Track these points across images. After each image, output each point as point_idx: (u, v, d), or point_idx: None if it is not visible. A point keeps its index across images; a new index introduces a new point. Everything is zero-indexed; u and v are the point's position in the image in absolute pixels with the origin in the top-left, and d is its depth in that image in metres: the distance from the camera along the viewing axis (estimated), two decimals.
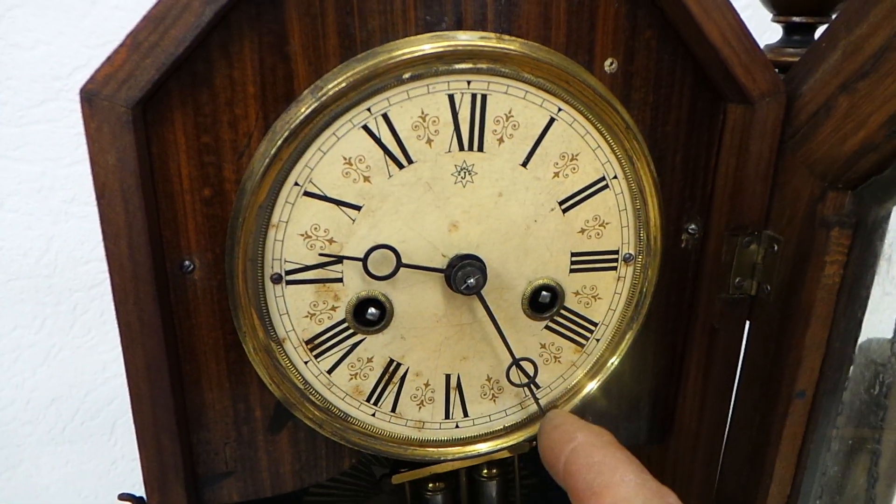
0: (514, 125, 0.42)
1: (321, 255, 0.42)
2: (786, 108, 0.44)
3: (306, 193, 0.41)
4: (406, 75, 0.39)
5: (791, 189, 0.45)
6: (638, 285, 0.48)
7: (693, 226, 0.49)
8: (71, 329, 0.81)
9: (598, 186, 0.45)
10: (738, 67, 0.42)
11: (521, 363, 0.46)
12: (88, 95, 0.34)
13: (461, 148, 0.42)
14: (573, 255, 0.46)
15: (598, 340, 0.50)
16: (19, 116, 0.72)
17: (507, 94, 0.42)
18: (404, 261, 0.42)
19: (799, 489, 0.47)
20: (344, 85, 0.39)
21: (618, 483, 0.32)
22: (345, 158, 0.40)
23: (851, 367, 0.57)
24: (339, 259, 0.42)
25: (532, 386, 0.47)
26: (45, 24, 0.70)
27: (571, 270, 0.47)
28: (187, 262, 0.41)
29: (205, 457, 0.46)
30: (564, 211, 0.45)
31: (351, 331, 0.44)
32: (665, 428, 0.55)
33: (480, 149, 0.42)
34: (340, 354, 0.45)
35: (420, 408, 0.48)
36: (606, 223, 0.46)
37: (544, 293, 0.47)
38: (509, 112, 0.42)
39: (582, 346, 0.49)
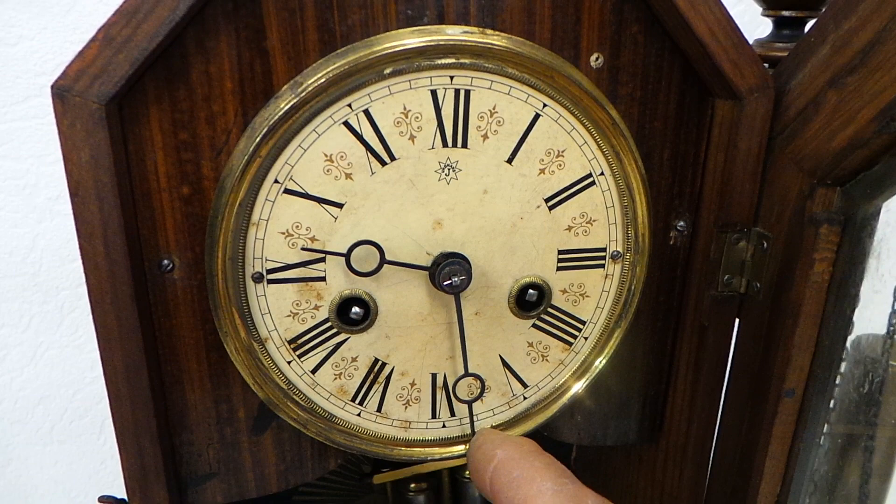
0: (499, 121, 0.42)
1: (304, 249, 0.41)
2: (774, 103, 0.43)
3: (287, 191, 0.40)
4: (387, 70, 0.39)
5: (780, 186, 0.44)
6: (626, 283, 0.48)
7: (681, 223, 0.48)
8: (58, 328, 0.80)
9: (584, 183, 0.45)
10: (725, 62, 0.42)
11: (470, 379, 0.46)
12: (60, 91, 0.34)
13: (445, 144, 0.41)
14: (560, 252, 0.46)
15: (586, 339, 0.49)
16: (3, 113, 0.71)
17: (491, 90, 0.41)
18: (388, 258, 0.41)
19: (789, 487, 0.47)
20: (324, 80, 0.38)
21: (535, 495, 0.33)
22: (326, 155, 0.40)
23: (843, 364, 0.57)
24: (323, 256, 0.42)
25: (472, 405, 0.47)
26: (29, 19, 0.69)
27: (558, 268, 0.46)
28: (166, 262, 0.40)
29: (188, 458, 0.45)
30: (551, 208, 0.45)
31: (335, 330, 0.44)
32: (655, 426, 0.54)
33: (465, 145, 0.42)
34: (324, 354, 0.44)
35: (406, 407, 0.47)
36: (594, 220, 0.46)
37: (531, 291, 0.46)
38: (493, 108, 0.41)
39: (570, 344, 0.49)
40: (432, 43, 0.39)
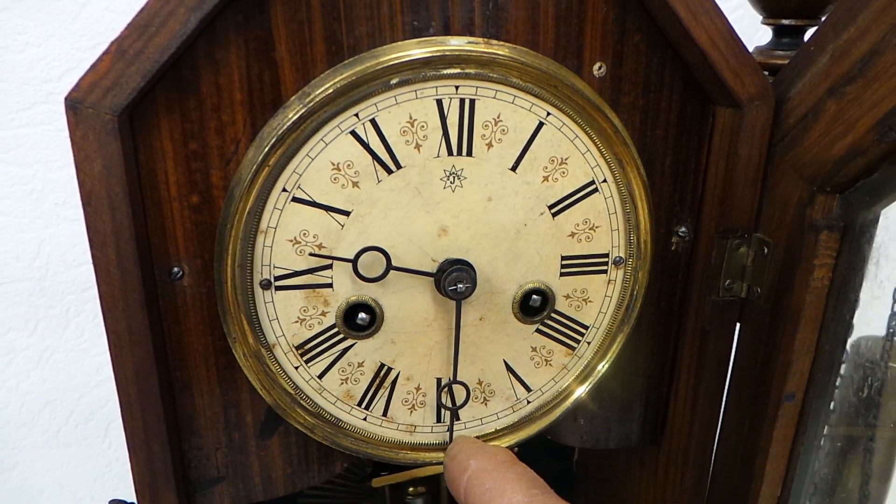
0: (503, 130, 0.42)
1: (311, 255, 0.42)
2: (775, 111, 0.44)
3: (295, 199, 0.41)
4: (394, 81, 0.39)
5: (780, 192, 0.45)
6: (628, 288, 0.48)
7: (683, 229, 0.49)
8: (64, 332, 0.81)
9: (587, 190, 0.45)
10: (726, 71, 0.42)
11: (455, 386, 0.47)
12: (73, 103, 0.34)
13: (450, 153, 0.42)
14: (563, 258, 0.46)
15: (589, 343, 0.50)
16: (10, 119, 0.72)
17: (495, 99, 0.42)
18: (394, 265, 0.42)
19: (790, 490, 0.48)
20: (331, 91, 0.38)
21: None
22: (333, 164, 0.40)
23: (843, 366, 0.57)
24: (330, 263, 0.42)
25: (455, 413, 0.47)
26: (36, 26, 0.70)
27: (562, 274, 0.47)
28: (176, 269, 0.41)
29: (196, 462, 0.46)
30: (554, 215, 0.45)
31: (341, 336, 0.44)
32: (657, 430, 0.55)
33: (469, 153, 0.42)
34: (331, 359, 0.45)
35: (411, 412, 0.48)
36: (596, 227, 0.46)
37: (535, 297, 0.47)
38: (498, 117, 0.42)
39: (573, 349, 0.49)
40: (437, 53, 0.39)
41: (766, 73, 0.47)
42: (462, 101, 0.41)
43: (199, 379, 0.44)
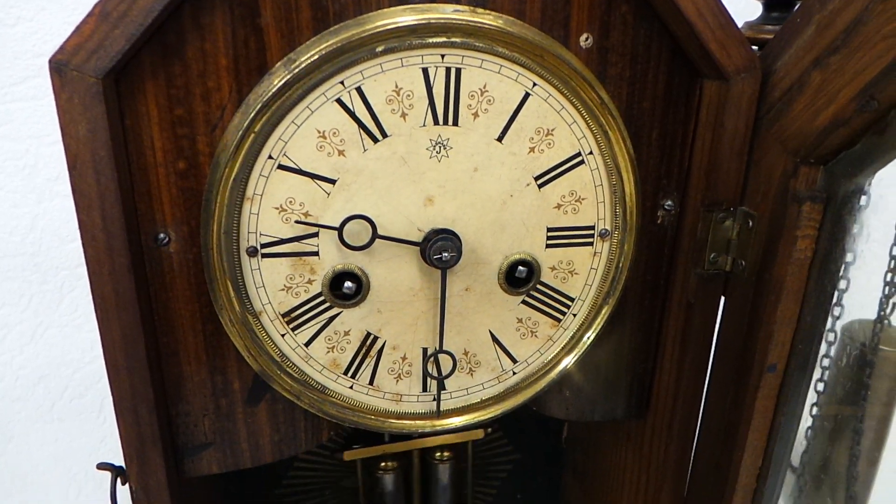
0: (489, 100, 0.42)
1: (297, 222, 0.42)
2: (761, 84, 0.44)
3: (281, 167, 0.41)
4: (379, 48, 0.39)
5: (765, 165, 0.45)
6: (614, 261, 0.49)
7: (669, 202, 0.49)
8: (58, 307, 0.81)
9: (573, 162, 0.46)
10: (712, 43, 0.43)
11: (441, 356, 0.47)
12: (58, 66, 0.34)
13: (436, 122, 0.42)
14: (549, 230, 0.47)
15: (574, 315, 0.50)
16: (2, 94, 0.72)
17: (481, 69, 0.42)
18: (380, 234, 0.42)
19: (770, 460, 0.48)
20: (317, 58, 0.39)
21: None
22: (319, 132, 0.41)
23: (835, 347, 0.58)
24: (316, 231, 0.42)
25: (441, 383, 0.48)
26: (27, 0, 0.70)
27: (548, 246, 0.47)
28: (162, 235, 0.41)
29: (184, 428, 0.46)
30: (540, 186, 0.45)
31: (327, 304, 0.45)
32: (642, 403, 0.55)
33: (455, 123, 0.42)
34: (317, 328, 0.45)
35: (398, 381, 0.48)
36: (582, 199, 0.47)
37: (520, 268, 0.47)
38: (484, 86, 0.42)
39: (559, 320, 0.50)
40: (423, 21, 0.39)
41: (756, 47, 0.47)
42: (448, 70, 0.41)
43: (187, 345, 0.44)
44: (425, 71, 0.41)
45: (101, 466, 0.46)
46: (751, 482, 0.49)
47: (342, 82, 0.40)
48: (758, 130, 0.46)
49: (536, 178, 0.45)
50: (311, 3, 0.38)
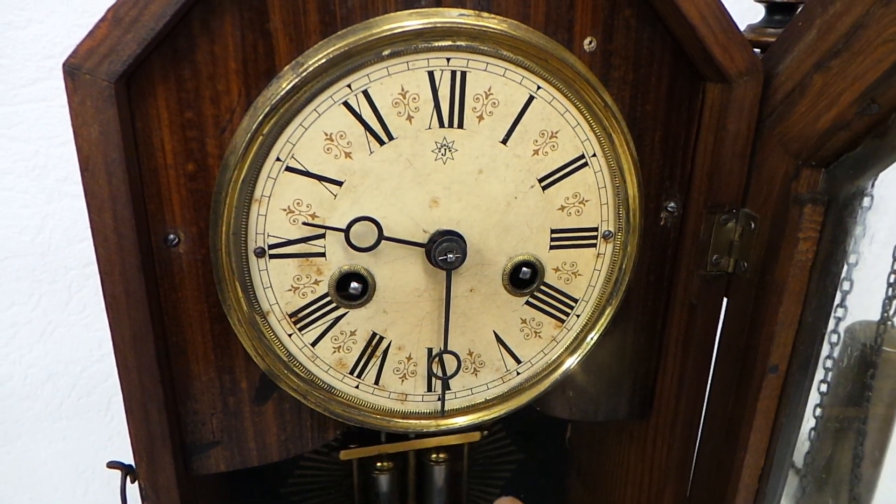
0: (494, 102, 0.43)
1: (305, 224, 0.42)
2: (763, 87, 0.44)
3: (288, 169, 0.41)
4: (386, 52, 0.40)
5: (767, 167, 0.46)
6: (617, 262, 0.49)
7: (672, 204, 0.50)
8: (66, 306, 0.82)
9: (577, 164, 0.46)
10: (715, 46, 0.43)
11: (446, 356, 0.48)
12: (71, 69, 0.35)
13: (441, 125, 0.43)
14: (553, 231, 0.47)
15: (578, 316, 0.50)
16: (12, 96, 0.73)
17: (486, 72, 0.42)
18: (386, 235, 0.43)
19: (773, 460, 0.49)
20: (324, 61, 0.39)
21: None
22: (326, 134, 0.41)
23: (838, 348, 0.58)
24: (322, 232, 0.43)
25: (445, 383, 0.48)
26: (37, 2, 0.70)
27: (551, 247, 0.48)
28: (172, 236, 0.42)
29: (192, 427, 0.47)
30: (544, 188, 0.46)
31: (334, 304, 0.45)
32: (645, 403, 0.56)
33: (460, 126, 0.43)
34: (324, 328, 0.46)
35: (403, 381, 0.49)
36: (586, 200, 0.47)
37: (524, 269, 0.47)
38: (489, 89, 0.43)
39: (562, 321, 0.50)
40: (429, 25, 0.40)
41: (758, 50, 0.47)
42: (453, 73, 0.42)
43: (195, 344, 0.45)
44: (431, 74, 0.41)
45: (112, 465, 0.47)
46: (753, 482, 0.50)
47: (349, 85, 0.40)
48: (760, 133, 0.46)
49: (540, 180, 0.46)
50: (319, 8, 0.39)
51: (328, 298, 0.45)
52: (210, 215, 0.42)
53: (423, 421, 0.50)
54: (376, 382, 0.48)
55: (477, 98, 0.43)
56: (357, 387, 0.48)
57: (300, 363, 0.46)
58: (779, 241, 0.44)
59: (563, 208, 0.47)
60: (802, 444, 0.61)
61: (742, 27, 0.47)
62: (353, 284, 0.45)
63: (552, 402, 0.54)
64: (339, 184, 0.42)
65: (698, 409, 0.54)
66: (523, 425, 0.71)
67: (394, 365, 0.48)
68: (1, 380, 0.84)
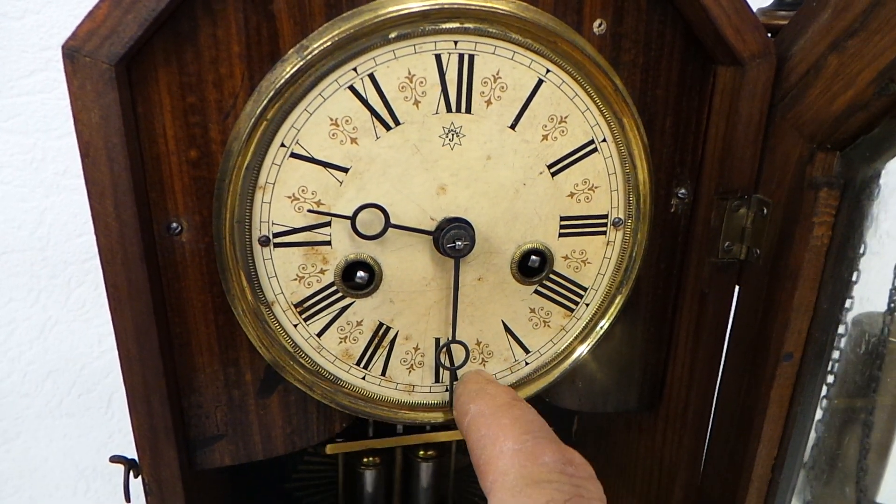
0: (502, 87, 0.42)
1: (310, 211, 0.41)
2: (776, 69, 0.44)
3: (293, 155, 0.40)
4: (392, 34, 0.39)
5: (780, 152, 0.45)
6: (627, 250, 0.48)
7: (683, 190, 0.49)
8: (66, 302, 0.81)
9: (587, 150, 0.45)
10: (727, 28, 0.42)
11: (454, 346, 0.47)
12: (70, 52, 0.34)
13: (448, 109, 0.42)
14: (562, 219, 0.46)
15: (587, 305, 0.50)
16: (9, 88, 0.72)
17: (494, 55, 0.41)
18: (393, 223, 0.42)
19: (786, 450, 0.48)
20: (329, 44, 0.38)
21: (496, 456, 0.33)
22: (331, 119, 0.40)
23: (844, 339, 0.57)
24: (328, 220, 0.42)
25: (453, 373, 0.48)
26: None
27: (560, 235, 0.47)
28: (175, 224, 0.41)
29: (196, 420, 0.46)
30: (553, 174, 0.45)
31: (340, 294, 0.44)
32: (655, 394, 0.55)
33: (468, 110, 0.42)
34: (329, 318, 0.45)
35: (410, 371, 0.48)
36: (595, 187, 0.46)
37: (533, 257, 0.47)
38: (497, 73, 0.42)
39: (571, 310, 0.49)
40: (436, 6, 0.39)
41: (769, 34, 0.46)
42: (461, 56, 0.41)
43: (199, 336, 0.44)
44: (438, 57, 0.41)
45: (114, 459, 0.46)
46: (766, 472, 0.49)
47: (355, 69, 0.40)
48: (772, 117, 0.45)
49: (549, 167, 0.45)
50: None
51: (334, 288, 0.44)
52: (213, 203, 0.41)
53: (430, 413, 0.49)
54: (383, 373, 0.48)
55: (485, 82, 0.42)
56: (364, 378, 0.47)
57: (306, 354, 0.45)
58: (793, 226, 0.43)
59: (572, 195, 0.46)
60: (808, 436, 0.60)
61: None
62: (360, 273, 0.44)
63: (561, 392, 0.53)
64: (345, 170, 0.42)
65: (709, 398, 0.53)
66: None
67: (401, 355, 0.47)
68: (0, 377, 0.83)
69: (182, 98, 0.38)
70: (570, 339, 0.50)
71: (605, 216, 0.47)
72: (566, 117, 0.44)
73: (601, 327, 0.50)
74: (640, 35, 0.44)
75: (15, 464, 0.88)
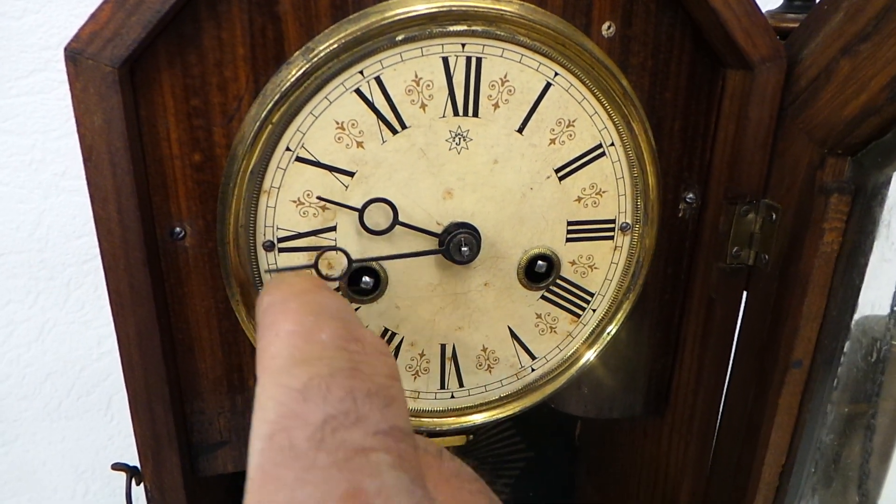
0: (510, 90, 0.42)
1: (319, 198, 0.40)
2: (786, 73, 0.43)
3: (298, 159, 0.40)
4: (399, 37, 0.39)
5: (790, 156, 0.44)
6: (635, 255, 0.48)
7: (691, 195, 0.48)
8: (65, 304, 0.80)
9: (594, 154, 0.45)
10: (737, 31, 0.42)
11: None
12: (73, 54, 0.34)
13: (456, 113, 0.41)
14: (569, 223, 0.46)
15: (594, 311, 0.49)
16: (8, 88, 0.71)
17: (502, 58, 0.41)
18: (398, 229, 0.41)
19: (794, 458, 0.47)
20: (336, 46, 0.38)
21: (270, 342, 0.27)
22: (337, 123, 0.40)
23: (848, 343, 0.57)
24: (334, 225, 0.42)
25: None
26: None
27: (568, 240, 0.46)
28: (178, 229, 0.40)
29: (199, 426, 0.46)
30: (561, 179, 0.45)
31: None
32: (661, 400, 0.55)
33: (475, 114, 0.42)
34: None
35: (415, 378, 0.48)
36: (603, 192, 0.46)
37: (540, 263, 0.46)
38: (505, 76, 0.41)
39: (578, 316, 0.49)
40: (444, 9, 0.38)
41: (778, 37, 0.46)
42: (468, 59, 0.40)
43: (202, 341, 0.43)
44: (445, 60, 0.40)
45: (116, 467, 0.45)
46: (773, 480, 0.49)
47: (361, 72, 0.39)
48: (782, 121, 0.45)
49: (557, 171, 0.44)
50: None
51: (339, 293, 0.44)
52: (217, 207, 0.40)
53: (436, 419, 0.49)
54: None
55: (492, 85, 0.41)
56: None
57: None
58: (803, 232, 0.43)
59: (579, 199, 0.46)
60: (816, 443, 0.60)
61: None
62: (365, 279, 0.43)
63: (566, 398, 0.53)
64: (351, 174, 0.41)
65: (716, 405, 0.53)
66: (532, 423, 0.70)
67: (406, 361, 0.47)
68: None
69: (186, 101, 0.38)
70: (577, 345, 0.50)
71: (613, 221, 0.47)
72: (574, 121, 0.43)
73: (608, 333, 0.49)
74: (649, 38, 0.43)
75: (13, 466, 0.87)
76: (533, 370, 0.50)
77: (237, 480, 0.61)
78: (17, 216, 0.76)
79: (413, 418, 0.49)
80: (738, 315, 0.50)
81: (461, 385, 0.49)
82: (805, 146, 0.43)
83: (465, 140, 0.42)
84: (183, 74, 0.37)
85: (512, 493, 0.72)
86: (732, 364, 0.52)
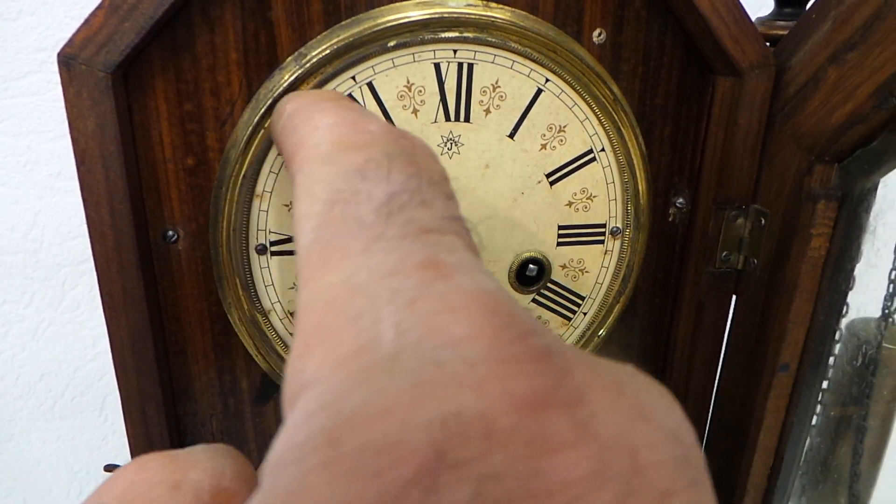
0: (501, 96, 0.42)
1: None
2: (775, 80, 0.44)
3: None
4: (391, 43, 0.39)
5: (779, 163, 0.45)
6: (625, 259, 0.48)
7: (681, 200, 0.49)
8: (59, 304, 0.81)
9: (585, 159, 0.45)
10: (727, 38, 0.42)
11: None
12: (66, 59, 0.34)
13: (447, 118, 0.42)
14: (560, 228, 0.46)
15: (585, 314, 0.50)
16: (3, 89, 0.71)
17: (493, 64, 0.41)
18: None
19: (782, 460, 0.48)
20: (328, 52, 0.38)
21: (308, 134, 0.24)
22: None
23: (839, 345, 0.58)
24: None
25: None
26: None
27: (558, 244, 0.47)
28: (171, 232, 0.40)
29: (192, 428, 0.46)
30: (552, 184, 0.45)
31: None
32: None
33: (467, 119, 0.42)
34: None
35: None
36: (594, 196, 0.46)
37: (531, 266, 0.46)
38: (496, 82, 0.42)
39: (569, 319, 0.49)
40: (436, 15, 0.39)
41: (768, 43, 0.46)
42: (460, 65, 0.41)
43: (195, 344, 0.43)
44: (437, 66, 0.40)
45: (109, 469, 0.45)
46: (762, 481, 0.49)
47: (353, 77, 0.39)
48: (771, 128, 0.45)
49: (548, 176, 0.45)
50: None
51: None
52: (210, 211, 0.40)
53: None
54: None
55: (484, 91, 0.42)
56: None
57: None
58: (790, 237, 0.43)
59: (570, 204, 0.46)
60: (804, 445, 0.60)
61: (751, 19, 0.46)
62: None
63: None
64: None
65: (705, 409, 0.53)
66: None
67: None
68: None
69: (179, 106, 0.38)
70: None
71: (604, 225, 0.47)
72: (565, 126, 0.44)
73: (599, 336, 0.50)
74: (639, 45, 0.44)
75: (7, 466, 0.87)
76: None
77: None
78: (12, 217, 0.76)
79: None
80: (727, 319, 0.51)
81: None
82: (793, 153, 0.44)
83: (456, 145, 0.42)
84: (176, 79, 0.38)
85: None
86: (721, 367, 0.52)
